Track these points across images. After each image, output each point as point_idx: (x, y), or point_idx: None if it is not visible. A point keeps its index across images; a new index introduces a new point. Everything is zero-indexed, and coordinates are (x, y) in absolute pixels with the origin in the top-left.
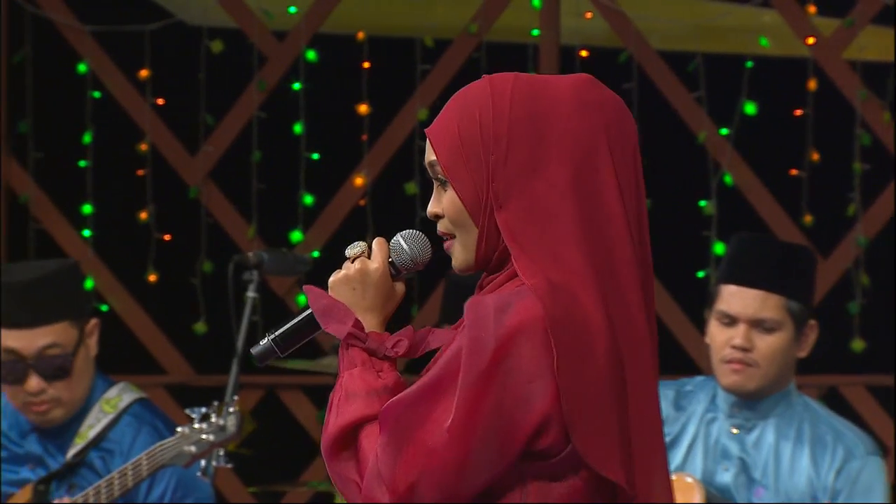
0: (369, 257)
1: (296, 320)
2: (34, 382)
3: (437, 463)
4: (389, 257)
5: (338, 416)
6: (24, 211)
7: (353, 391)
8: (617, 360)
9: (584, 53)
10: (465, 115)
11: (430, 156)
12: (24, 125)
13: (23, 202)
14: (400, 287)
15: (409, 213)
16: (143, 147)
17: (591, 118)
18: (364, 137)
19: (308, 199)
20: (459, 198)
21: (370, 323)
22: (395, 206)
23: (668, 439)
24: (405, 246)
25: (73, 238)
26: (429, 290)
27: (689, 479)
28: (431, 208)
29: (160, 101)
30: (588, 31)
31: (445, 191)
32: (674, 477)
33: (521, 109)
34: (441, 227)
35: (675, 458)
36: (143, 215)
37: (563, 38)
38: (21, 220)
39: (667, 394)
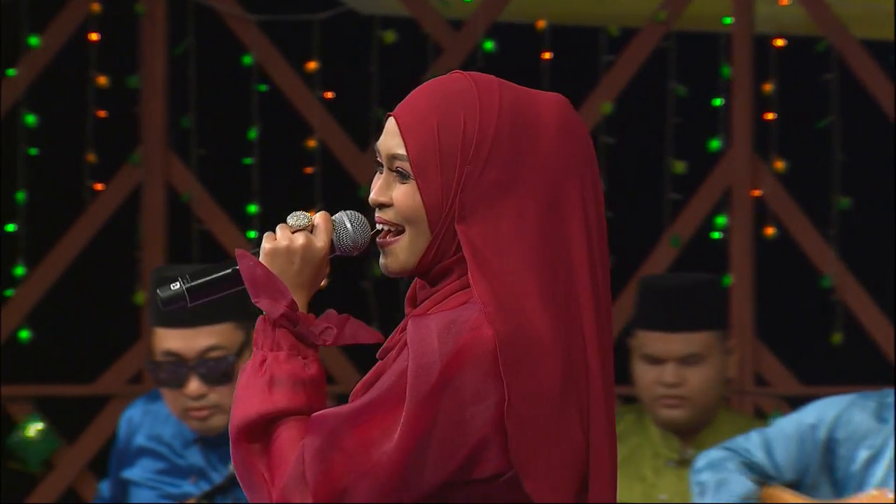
0: (312, 232)
1: (215, 275)
2: (194, 386)
3: (370, 480)
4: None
5: (261, 402)
6: (186, 211)
7: (279, 378)
8: (569, 386)
9: (779, 42)
10: (447, 116)
11: (394, 146)
12: (186, 120)
13: (185, 201)
14: (327, 268)
15: None
16: (311, 143)
17: (568, 145)
18: None
19: None
20: (422, 199)
21: (299, 301)
22: None
23: (868, 453)
24: (349, 227)
25: (237, 239)
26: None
27: (890, 495)
28: (378, 196)
29: (329, 95)
30: (784, 19)
31: (402, 183)
32: (873, 492)
33: (507, 125)
34: (385, 215)
35: (877, 472)
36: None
37: (757, 26)
38: (183, 221)
39: (867, 405)
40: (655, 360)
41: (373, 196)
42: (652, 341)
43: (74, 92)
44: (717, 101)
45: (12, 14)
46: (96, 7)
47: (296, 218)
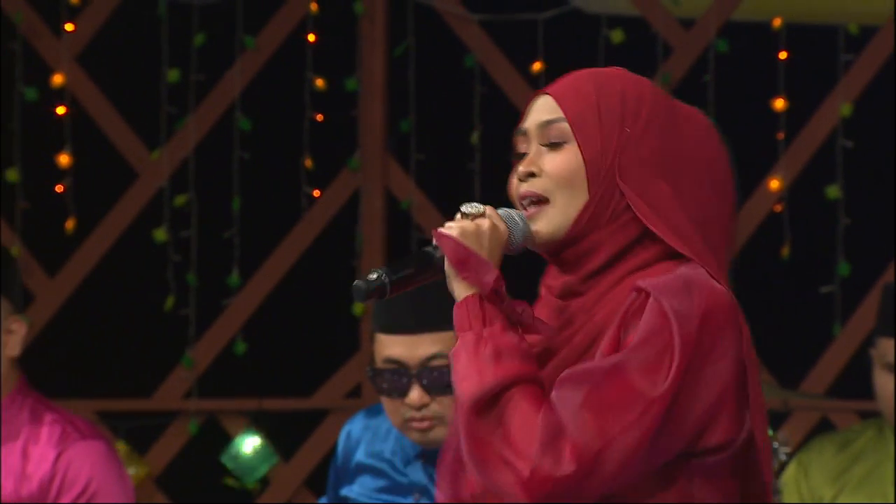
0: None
1: (414, 267)
2: (416, 395)
3: (635, 432)
4: None
5: (493, 372)
6: (405, 218)
7: (503, 348)
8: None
9: None
10: (605, 86)
11: (546, 114)
12: (405, 124)
13: (405, 208)
14: None
15: (830, 219)
16: None
17: (713, 142)
18: (780, 135)
19: None
20: (584, 154)
21: None
22: (814, 212)
23: None
24: (519, 221)
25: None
26: (850, 303)
27: None
28: (528, 167)
29: None
30: None
31: (556, 151)
32: None
33: (662, 104)
34: (531, 186)
35: None
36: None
37: None
38: (403, 228)
39: None
40: None
41: (521, 168)
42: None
43: (291, 95)
44: None
45: (228, 15)
46: (314, 7)
47: (471, 207)
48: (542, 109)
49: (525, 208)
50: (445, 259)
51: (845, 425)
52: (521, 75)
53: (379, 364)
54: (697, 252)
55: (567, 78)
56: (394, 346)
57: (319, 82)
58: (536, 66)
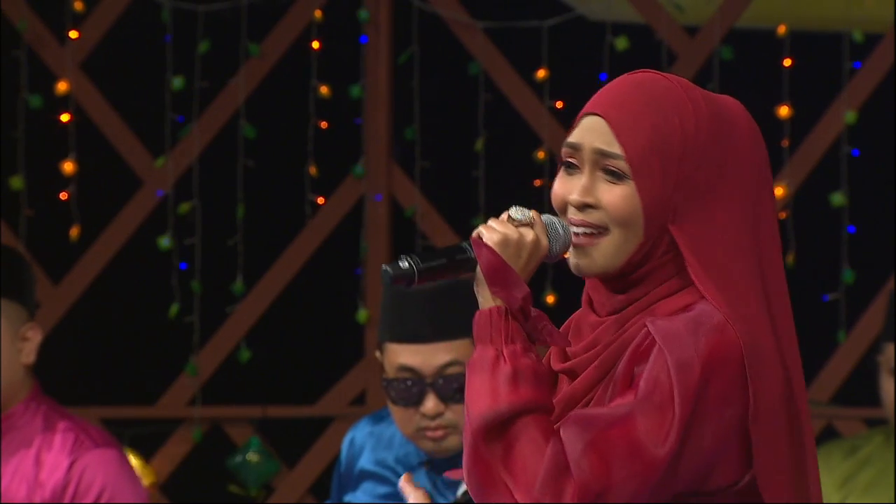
0: (533, 228)
1: (445, 261)
2: (431, 404)
3: (638, 481)
4: None
5: (507, 395)
6: (410, 225)
7: (521, 371)
8: (790, 399)
9: None
10: (663, 117)
11: (604, 144)
12: (410, 131)
13: (409, 216)
14: None
15: (834, 226)
16: (541, 155)
17: (758, 147)
18: (785, 143)
19: None
20: (641, 199)
21: None
22: (819, 219)
23: None
24: (561, 231)
25: None
26: (858, 309)
27: None
28: (584, 197)
29: (559, 104)
30: None
31: (614, 184)
32: None
33: (713, 127)
34: (589, 217)
35: None
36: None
37: None
38: (407, 236)
39: None
40: None
41: (576, 197)
42: None
43: (295, 102)
44: None
45: (232, 22)
46: (319, 14)
47: (519, 212)
48: (598, 134)
49: (576, 234)
50: (478, 265)
51: (851, 432)
52: (525, 83)
53: (392, 374)
54: (732, 297)
55: (621, 97)
56: (408, 355)
57: (324, 89)
58: (541, 73)
